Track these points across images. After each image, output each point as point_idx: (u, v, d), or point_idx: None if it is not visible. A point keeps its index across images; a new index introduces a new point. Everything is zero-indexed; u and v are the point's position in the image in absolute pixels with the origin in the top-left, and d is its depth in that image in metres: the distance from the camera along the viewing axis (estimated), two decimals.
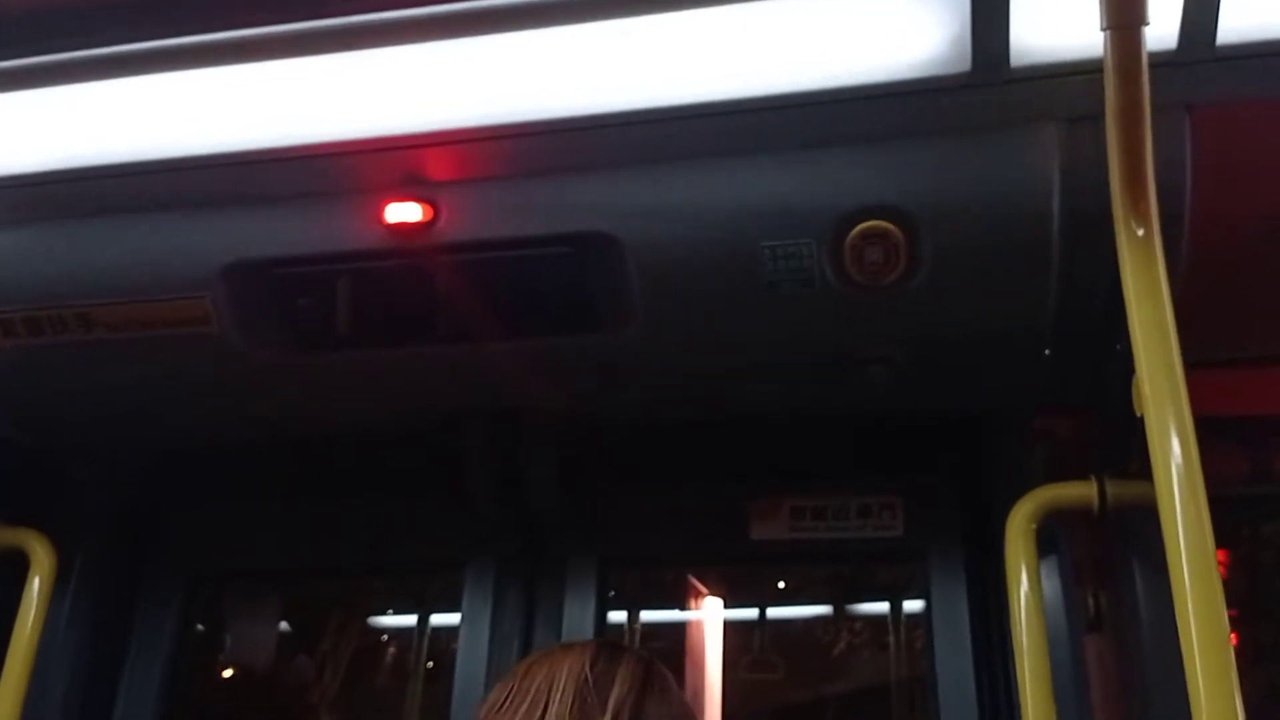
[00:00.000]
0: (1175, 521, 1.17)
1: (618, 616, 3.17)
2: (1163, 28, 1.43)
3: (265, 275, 1.82)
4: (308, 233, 1.78)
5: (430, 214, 1.72)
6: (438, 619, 3.39)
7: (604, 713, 1.29)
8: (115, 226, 1.83)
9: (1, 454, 2.25)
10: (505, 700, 1.33)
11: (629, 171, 1.71)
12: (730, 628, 3.61)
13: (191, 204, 1.79)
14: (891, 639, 3.77)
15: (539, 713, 1.29)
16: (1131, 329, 1.30)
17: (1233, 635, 1.15)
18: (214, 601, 2.89)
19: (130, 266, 1.83)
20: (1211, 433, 1.26)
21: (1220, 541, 1.18)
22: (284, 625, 3.29)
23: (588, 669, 1.33)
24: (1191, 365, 1.27)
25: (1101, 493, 1.82)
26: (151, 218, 1.81)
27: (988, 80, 1.53)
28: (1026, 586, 1.78)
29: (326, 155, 1.68)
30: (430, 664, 3.40)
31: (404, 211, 1.72)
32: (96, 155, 1.73)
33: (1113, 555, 1.97)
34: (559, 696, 1.30)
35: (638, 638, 2.59)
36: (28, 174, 1.76)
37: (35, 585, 2.14)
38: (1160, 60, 1.39)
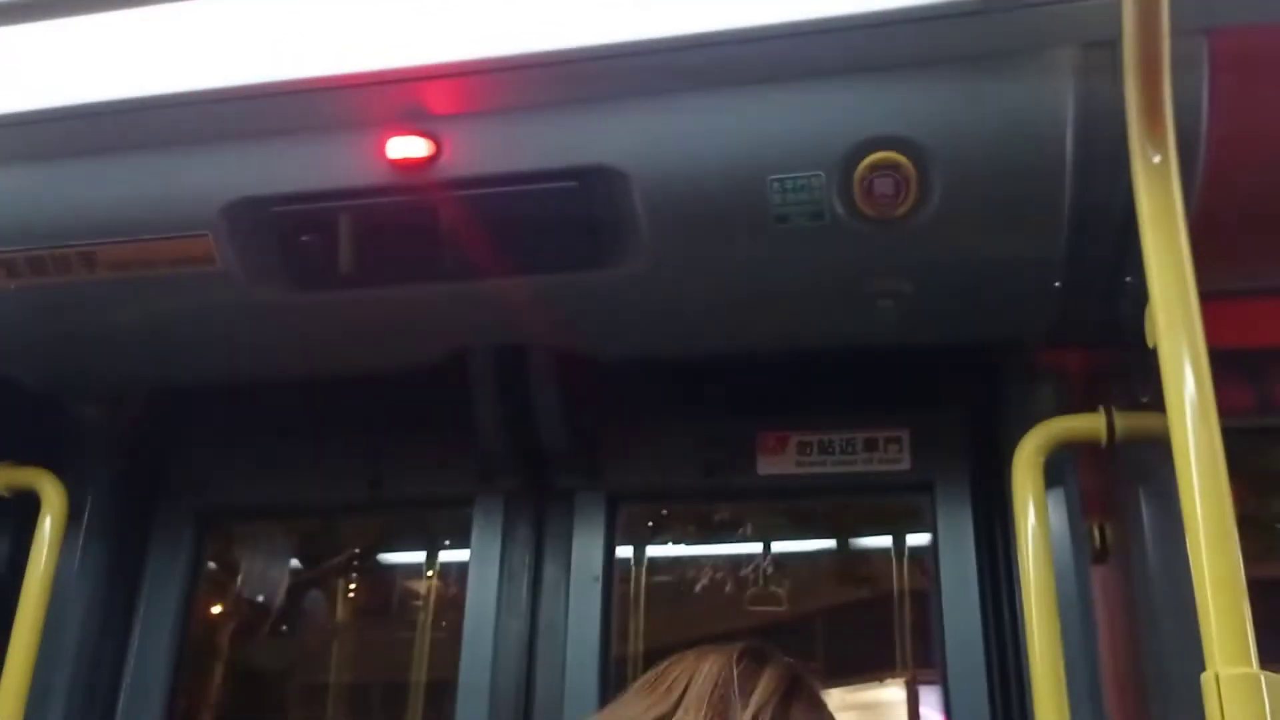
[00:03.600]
0: (1188, 452, 1.18)
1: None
2: None
3: (268, 212, 1.81)
4: (310, 169, 1.77)
5: (433, 149, 1.71)
6: (447, 555, 3.44)
7: (745, 709, 1.24)
8: (116, 164, 1.81)
9: (9, 395, 2.25)
10: (644, 685, 1.30)
11: (635, 104, 1.69)
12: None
13: (193, 141, 1.77)
14: (895, 572, 3.82)
15: (678, 694, 1.26)
16: (1146, 257, 1.29)
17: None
18: (225, 539, 2.91)
19: (132, 205, 1.82)
20: (1221, 364, 1.25)
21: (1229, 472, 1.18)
22: (295, 562, 3.33)
23: (732, 665, 1.29)
24: (1204, 296, 1.26)
25: (1110, 425, 1.82)
26: (152, 155, 1.80)
27: (1002, 5, 1.50)
28: (1033, 519, 1.79)
29: (328, 89, 1.66)
30: (440, 598, 3.45)
31: (406, 146, 1.71)
32: (96, 92, 1.71)
33: (1118, 488, 1.97)
34: (699, 681, 1.26)
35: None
36: (27, 112, 1.74)
37: (47, 525, 2.17)
38: None
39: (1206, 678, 1.09)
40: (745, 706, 1.23)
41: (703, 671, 1.28)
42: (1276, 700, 1.07)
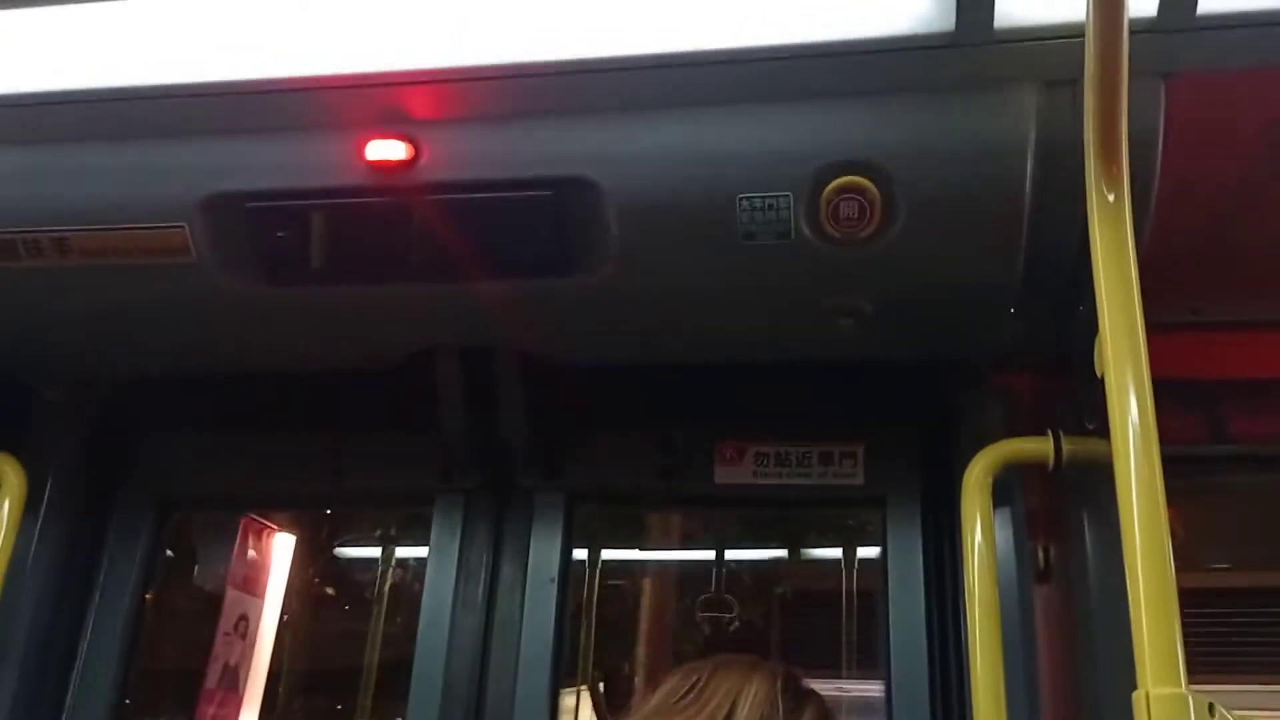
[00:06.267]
0: (1129, 478, 1.22)
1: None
2: None
3: (246, 207, 1.81)
4: (290, 167, 1.78)
5: (412, 153, 1.72)
6: (403, 551, 3.45)
7: None
8: (96, 152, 1.81)
9: None
10: (687, 694, 1.31)
11: (611, 118, 1.72)
12: None
13: (174, 133, 1.78)
14: (843, 584, 3.87)
15: (723, 716, 1.26)
16: (1097, 290, 1.33)
17: None
18: (184, 528, 2.90)
19: (109, 193, 1.82)
20: (1165, 394, 1.30)
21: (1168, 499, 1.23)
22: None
23: (778, 696, 1.30)
24: (1151, 328, 1.31)
25: (1057, 449, 1.86)
26: (133, 145, 1.80)
27: (971, 40, 1.54)
28: (980, 537, 1.83)
29: (311, 90, 1.68)
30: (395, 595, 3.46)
31: (385, 149, 1.72)
32: (80, 81, 1.71)
33: (1063, 510, 2.03)
34: (745, 708, 1.27)
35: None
36: (9, 96, 1.74)
37: (5, 507, 2.15)
38: (1140, 27, 1.42)
39: (1137, 696, 1.13)
40: None
41: (748, 696, 1.29)
42: (1202, 719, 1.12)
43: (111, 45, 1.68)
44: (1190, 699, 1.11)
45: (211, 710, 2.58)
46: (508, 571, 2.40)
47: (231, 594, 2.65)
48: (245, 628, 2.71)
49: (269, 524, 2.80)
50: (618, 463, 2.48)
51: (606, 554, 3.86)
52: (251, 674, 2.74)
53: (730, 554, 4.20)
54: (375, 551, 3.79)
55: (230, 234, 1.84)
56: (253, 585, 2.75)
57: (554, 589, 2.37)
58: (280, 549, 2.89)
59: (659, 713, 1.32)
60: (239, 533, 2.69)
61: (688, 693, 1.32)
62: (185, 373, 2.33)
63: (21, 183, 1.84)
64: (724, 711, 1.28)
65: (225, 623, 2.62)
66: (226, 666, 2.61)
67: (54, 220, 1.85)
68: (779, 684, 1.33)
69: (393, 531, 3.75)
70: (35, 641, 2.34)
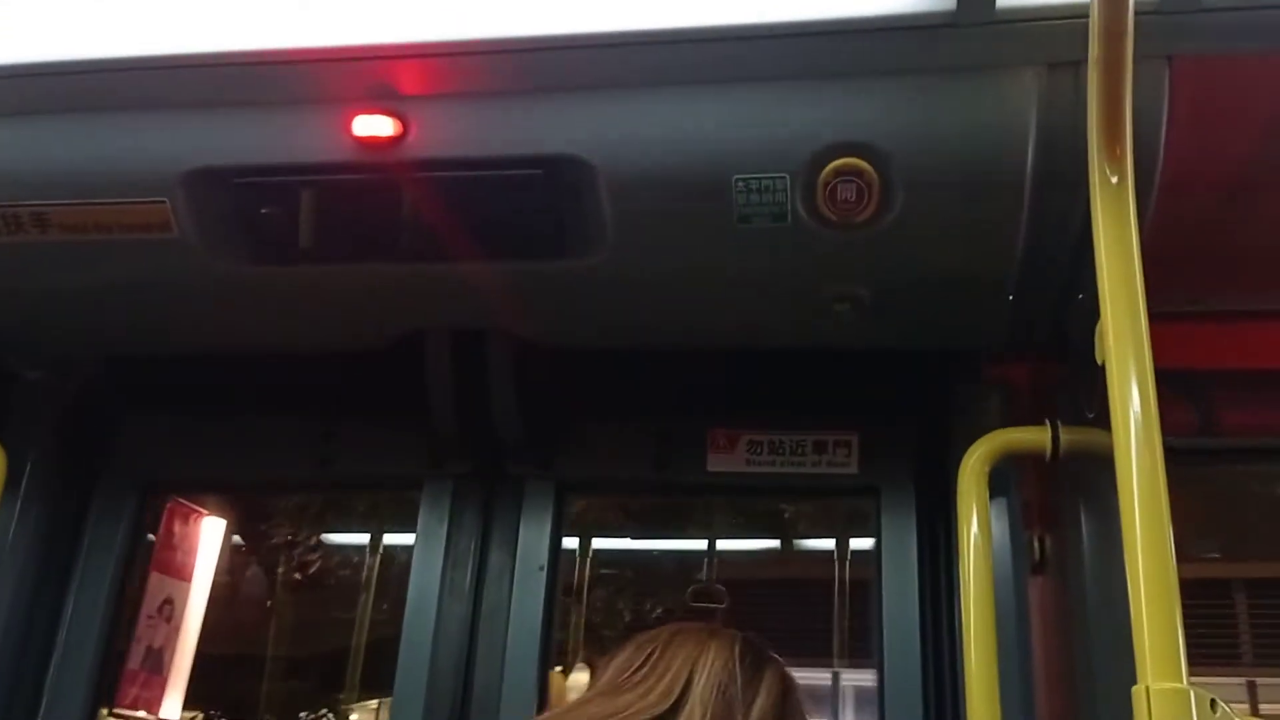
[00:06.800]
0: (1130, 469, 1.19)
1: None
2: None
3: (229, 183, 1.78)
4: (275, 142, 1.74)
5: (400, 129, 1.69)
6: (391, 537, 3.42)
7: (747, 715, 1.25)
8: (77, 125, 1.78)
9: None
10: (641, 666, 1.29)
11: (604, 96, 1.69)
12: None
13: (156, 106, 1.75)
14: (836, 573, 3.87)
15: (680, 687, 1.24)
16: (1099, 276, 1.31)
17: None
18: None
19: (90, 167, 1.79)
20: (1166, 384, 1.28)
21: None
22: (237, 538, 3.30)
23: (736, 664, 1.28)
24: (1153, 316, 1.29)
25: (1055, 438, 1.85)
26: (115, 118, 1.77)
27: (972, 21, 1.52)
28: (976, 527, 1.82)
29: (298, 63, 1.65)
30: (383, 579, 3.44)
31: (373, 125, 1.69)
32: (60, 52, 1.68)
33: (1058, 500, 2.01)
34: (703, 679, 1.25)
35: None
36: None
37: None
38: (1145, 8, 1.39)
39: (1137, 690, 1.10)
40: (748, 712, 1.25)
41: (704, 667, 1.26)
42: (1204, 715, 1.09)
43: (93, 15, 1.65)
44: (1192, 694, 1.09)
45: (134, 691, 2.59)
46: (496, 559, 2.38)
47: (155, 578, 2.64)
48: (170, 611, 2.70)
49: (196, 508, 2.78)
50: (609, 450, 2.46)
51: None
52: (177, 657, 2.73)
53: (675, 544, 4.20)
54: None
55: (213, 210, 1.81)
56: (178, 569, 2.74)
57: (543, 577, 2.36)
58: (209, 533, 2.85)
59: (613, 689, 1.28)
60: (164, 516, 2.67)
61: (642, 665, 1.29)
62: (170, 353, 2.30)
63: (0, 156, 1.80)
64: (680, 683, 1.25)
65: (149, 605, 2.62)
66: (150, 649, 2.63)
67: (33, 194, 1.81)
68: (736, 650, 1.30)
69: (310, 513, 3.72)
70: (15, 623, 2.32)
